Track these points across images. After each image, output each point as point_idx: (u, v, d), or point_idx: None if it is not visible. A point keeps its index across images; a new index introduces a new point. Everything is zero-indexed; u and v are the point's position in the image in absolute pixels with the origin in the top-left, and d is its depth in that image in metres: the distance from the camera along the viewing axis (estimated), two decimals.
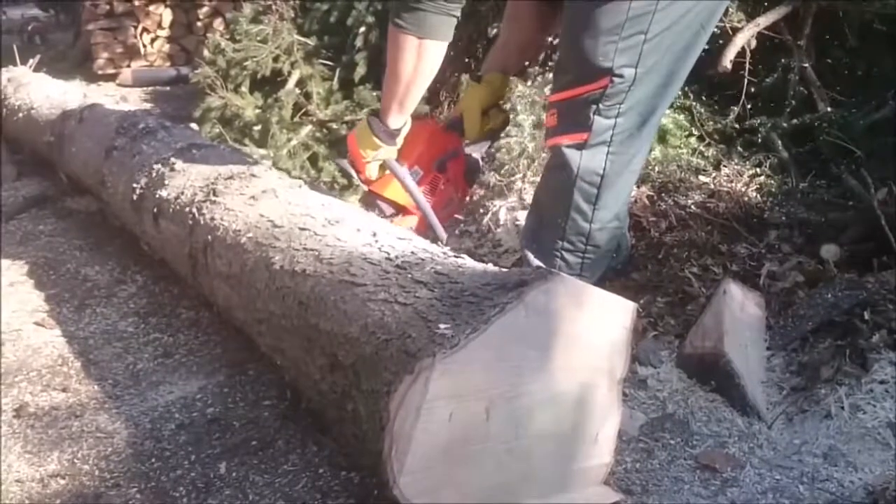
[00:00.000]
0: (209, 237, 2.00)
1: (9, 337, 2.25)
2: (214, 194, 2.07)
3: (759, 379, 1.88)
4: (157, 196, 2.30)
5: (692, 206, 2.49)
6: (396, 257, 1.55)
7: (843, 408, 1.74)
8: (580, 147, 1.87)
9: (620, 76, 1.82)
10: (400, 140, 2.03)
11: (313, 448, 1.71)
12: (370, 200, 2.19)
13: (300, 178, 3.23)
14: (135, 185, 2.44)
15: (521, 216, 2.69)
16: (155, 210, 2.31)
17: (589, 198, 1.91)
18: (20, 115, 3.62)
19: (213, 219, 2.02)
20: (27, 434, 1.80)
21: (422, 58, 1.84)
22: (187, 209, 2.13)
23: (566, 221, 1.94)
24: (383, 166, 2.12)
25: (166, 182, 2.30)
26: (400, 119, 1.99)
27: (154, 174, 2.38)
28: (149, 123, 2.78)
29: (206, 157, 2.37)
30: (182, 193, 2.20)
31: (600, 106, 1.84)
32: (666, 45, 1.84)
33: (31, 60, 4.29)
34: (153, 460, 1.71)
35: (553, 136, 1.93)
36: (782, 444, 1.70)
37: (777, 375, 1.90)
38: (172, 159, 2.38)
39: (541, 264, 1.93)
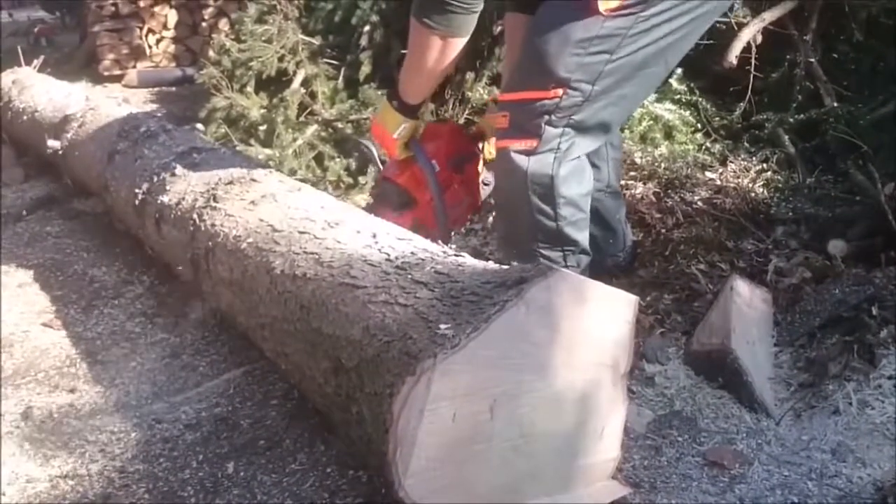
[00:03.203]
0: (210, 243, 2.00)
1: (17, 338, 2.26)
2: (215, 200, 2.08)
3: (767, 375, 1.87)
4: (159, 202, 2.30)
5: (698, 203, 2.48)
6: (396, 258, 1.55)
7: (851, 404, 1.73)
8: (528, 153, 1.88)
9: (576, 90, 1.83)
10: (420, 115, 2.11)
11: (321, 447, 1.71)
12: (382, 191, 2.19)
13: (306, 178, 3.25)
14: (137, 191, 2.44)
15: None
16: (157, 216, 2.32)
17: (546, 199, 1.90)
18: (24, 117, 3.63)
19: (213, 225, 2.02)
20: (35, 435, 1.81)
21: (446, 53, 1.91)
22: (188, 215, 2.14)
23: (533, 224, 1.94)
24: (407, 147, 2.14)
25: (168, 187, 2.30)
26: (419, 99, 2.08)
27: (156, 179, 2.39)
28: (150, 126, 2.77)
29: (206, 161, 2.37)
30: (183, 199, 2.21)
31: (552, 117, 1.86)
32: (627, 71, 1.85)
33: (35, 61, 4.30)
34: (161, 460, 1.71)
35: (502, 138, 1.93)
36: (790, 440, 1.69)
37: (785, 371, 1.89)
38: (174, 164, 2.38)
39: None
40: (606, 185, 2.23)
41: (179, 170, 2.34)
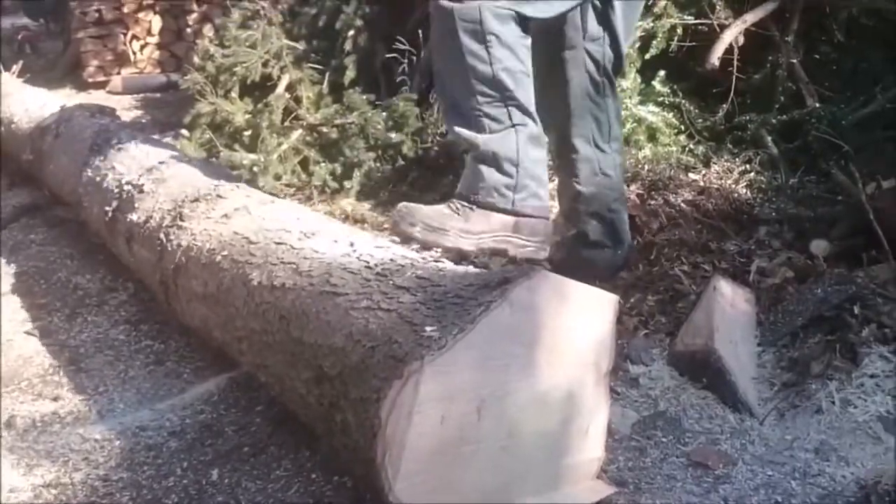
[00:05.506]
0: (183, 259, 1.99)
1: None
2: (181, 219, 2.07)
3: (750, 375, 1.88)
4: (128, 220, 2.30)
5: (682, 204, 2.49)
6: (376, 265, 1.55)
7: (833, 402, 1.74)
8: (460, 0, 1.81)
9: None
10: None
11: (306, 453, 1.71)
12: None
13: (291, 183, 3.25)
14: (107, 208, 2.44)
15: None
16: (127, 235, 2.31)
17: (476, 36, 1.81)
18: (2, 128, 3.62)
19: (179, 245, 2.01)
20: (18, 444, 1.80)
21: None
22: (156, 234, 2.13)
23: (469, 73, 1.84)
24: None
25: (136, 205, 2.29)
26: None
27: (124, 196, 2.38)
28: (121, 138, 2.75)
29: (175, 175, 2.34)
30: (151, 217, 2.20)
31: None
32: None
33: (14, 67, 4.27)
34: (145, 468, 1.70)
35: None
36: (774, 439, 1.70)
37: (768, 371, 1.90)
38: (142, 179, 2.36)
39: (471, 134, 1.86)
40: (620, 193, 2.21)
41: (147, 186, 2.32)
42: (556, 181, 2.30)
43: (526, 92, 1.88)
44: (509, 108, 1.87)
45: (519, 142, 1.88)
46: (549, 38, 2.08)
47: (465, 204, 1.90)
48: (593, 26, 2.06)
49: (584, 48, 2.06)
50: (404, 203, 1.95)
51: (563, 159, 2.21)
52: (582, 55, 2.07)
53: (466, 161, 1.96)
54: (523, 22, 1.87)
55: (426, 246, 1.80)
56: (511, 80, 1.85)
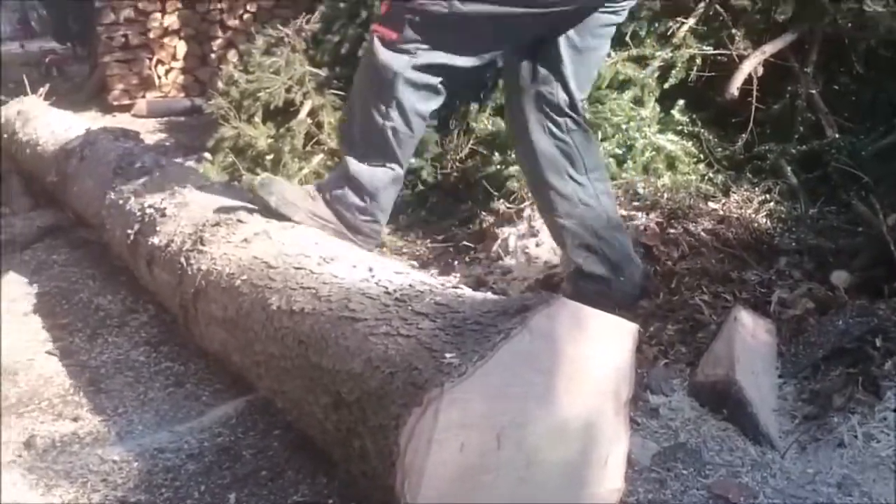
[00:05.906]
0: (203, 282, 2.00)
1: (21, 366, 2.26)
2: (202, 243, 2.08)
3: (771, 407, 1.86)
4: (150, 243, 2.32)
5: (702, 233, 2.48)
6: (395, 291, 1.55)
7: (856, 436, 1.72)
8: (388, 46, 1.97)
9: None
10: None
11: (323, 479, 1.70)
12: None
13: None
14: (129, 231, 2.46)
15: (531, 244, 2.69)
16: (148, 258, 2.33)
17: (383, 94, 1.99)
18: (28, 150, 3.67)
19: (199, 269, 2.03)
20: (37, 464, 1.81)
21: None
22: (177, 258, 2.14)
23: (366, 111, 2.04)
24: None
25: (157, 228, 2.32)
26: None
27: (146, 219, 2.40)
28: (145, 162, 2.79)
29: (196, 199, 2.36)
30: (172, 241, 2.22)
31: (416, 18, 1.93)
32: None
33: (41, 89, 4.35)
34: (163, 490, 1.70)
35: (377, 22, 2.04)
36: (796, 473, 1.68)
37: (789, 403, 1.89)
38: (164, 203, 2.39)
39: (350, 156, 2.09)
40: (607, 220, 2.21)
41: (170, 209, 2.35)
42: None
43: (405, 152, 2.11)
44: (388, 153, 2.08)
45: (381, 181, 2.11)
46: (508, 78, 2.22)
47: (320, 195, 2.14)
48: (542, 70, 2.14)
49: (536, 90, 2.14)
50: (267, 174, 2.27)
51: (540, 196, 2.26)
52: (535, 96, 2.15)
53: (340, 162, 2.19)
54: (444, 70, 2.01)
55: (278, 216, 2.07)
56: (395, 140, 2.06)
